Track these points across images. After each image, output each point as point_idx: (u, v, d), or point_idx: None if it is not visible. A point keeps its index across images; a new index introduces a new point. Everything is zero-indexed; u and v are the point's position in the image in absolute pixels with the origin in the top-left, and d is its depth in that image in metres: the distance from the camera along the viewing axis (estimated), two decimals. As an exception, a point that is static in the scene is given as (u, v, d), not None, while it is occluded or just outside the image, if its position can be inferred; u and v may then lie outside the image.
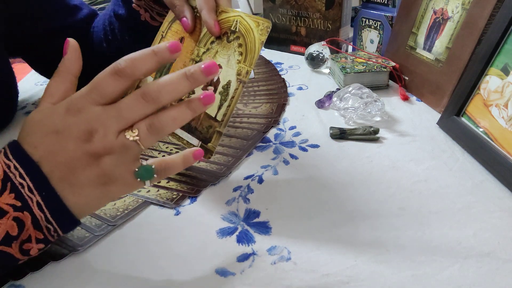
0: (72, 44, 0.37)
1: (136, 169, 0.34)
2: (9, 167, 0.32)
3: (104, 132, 0.32)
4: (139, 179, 0.35)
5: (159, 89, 0.33)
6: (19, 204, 0.32)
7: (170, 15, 0.53)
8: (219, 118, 0.44)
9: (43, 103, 0.35)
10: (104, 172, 0.33)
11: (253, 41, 0.43)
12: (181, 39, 0.50)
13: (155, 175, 0.35)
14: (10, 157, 0.33)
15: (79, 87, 0.80)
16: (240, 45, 0.43)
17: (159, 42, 0.53)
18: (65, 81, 0.36)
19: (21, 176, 0.32)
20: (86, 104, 0.33)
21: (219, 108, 0.44)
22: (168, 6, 0.49)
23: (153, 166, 0.35)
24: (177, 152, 0.56)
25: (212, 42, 0.46)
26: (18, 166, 0.32)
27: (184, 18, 0.48)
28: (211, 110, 0.44)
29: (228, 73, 0.44)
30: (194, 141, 0.45)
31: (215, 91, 0.45)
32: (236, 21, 0.44)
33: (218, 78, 0.45)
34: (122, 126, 0.33)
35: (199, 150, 0.38)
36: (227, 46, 0.45)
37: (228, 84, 0.44)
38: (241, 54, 0.43)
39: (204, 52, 0.47)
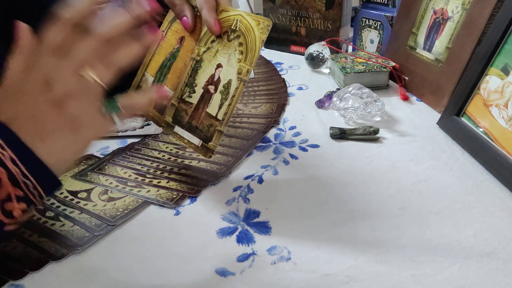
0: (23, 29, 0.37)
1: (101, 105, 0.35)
2: None
3: (61, 77, 0.33)
4: (106, 115, 0.35)
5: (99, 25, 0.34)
6: None
7: (170, 15, 0.53)
8: (220, 117, 0.44)
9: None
10: (71, 116, 0.34)
11: (253, 40, 0.43)
12: (182, 39, 0.50)
13: (120, 108, 0.36)
14: None
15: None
16: (240, 44, 0.43)
17: (158, 42, 0.52)
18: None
19: None
20: (39, 58, 0.34)
21: (220, 107, 0.44)
22: (168, 5, 0.49)
23: (115, 98, 0.36)
24: (177, 152, 0.56)
25: (213, 41, 0.46)
26: None
27: (185, 17, 0.48)
28: (212, 109, 0.44)
29: (229, 72, 0.44)
30: (195, 140, 0.46)
31: (215, 90, 0.45)
32: (237, 20, 0.44)
33: (219, 77, 0.45)
34: (77, 68, 0.34)
35: (161, 87, 0.40)
36: (227, 45, 0.45)
37: (229, 83, 0.44)
38: (241, 53, 0.43)
39: (204, 51, 0.47)
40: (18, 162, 0.32)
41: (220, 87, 0.44)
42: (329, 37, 0.90)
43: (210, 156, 0.44)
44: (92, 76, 0.34)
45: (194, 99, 0.46)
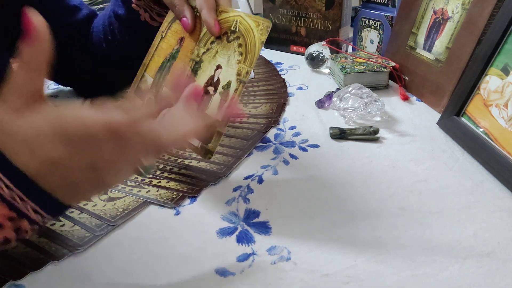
0: (39, 25, 0.31)
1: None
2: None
3: (113, 166, 0.32)
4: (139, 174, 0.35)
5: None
6: (14, 215, 0.31)
7: (169, 15, 0.52)
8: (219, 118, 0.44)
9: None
10: (102, 177, 0.33)
11: (253, 41, 0.43)
12: (181, 39, 0.50)
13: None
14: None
15: (83, 88, 0.79)
16: (240, 45, 0.43)
17: (159, 42, 0.52)
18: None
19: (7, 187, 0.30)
20: (100, 142, 0.32)
21: (220, 108, 0.44)
22: (168, 6, 0.49)
23: (152, 166, 0.36)
24: (177, 152, 0.56)
25: (212, 42, 0.46)
26: (7, 182, 0.30)
27: (184, 18, 0.48)
28: (211, 110, 0.44)
29: (228, 73, 0.44)
30: (195, 141, 0.45)
31: (215, 91, 0.45)
32: (236, 21, 0.44)
33: (218, 79, 0.45)
34: (131, 161, 0.33)
35: (233, 104, 0.39)
36: (227, 46, 0.45)
37: (228, 84, 0.44)
38: (241, 54, 0.43)
39: (204, 52, 0.46)
40: (40, 211, 0.32)
41: (220, 88, 0.44)
42: (329, 37, 0.90)
43: (209, 158, 0.44)
44: (140, 169, 0.34)
45: None
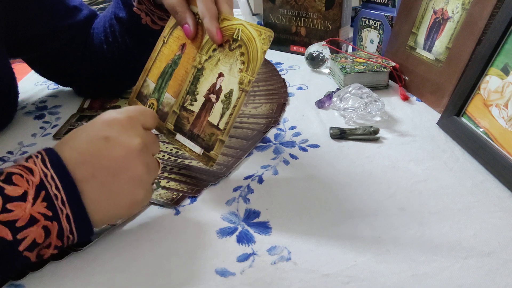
0: None
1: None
2: (46, 175, 0.34)
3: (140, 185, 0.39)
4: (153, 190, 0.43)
5: None
6: (50, 214, 0.34)
7: (171, 21, 0.52)
8: (221, 126, 0.43)
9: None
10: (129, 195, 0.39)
11: (255, 50, 0.42)
12: (183, 45, 0.50)
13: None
14: (49, 165, 0.34)
15: (83, 88, 0.80)
16: (242, 54, 0.43)
17: (160, 48, 0.52)
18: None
19: (56, 187, 0.34)
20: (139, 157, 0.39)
21: (221, 116, 0.44)
22: (170, 12, 0.49)
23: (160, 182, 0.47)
24: (177, 152, 0.56)
25: (214, 50, 0.46)
26: (55, 177, 0.34)
27: (186, 25, 0.47)
28: (214, 118, 0.44)
29: (230, 82, 0.44)
30: (197, 148, 0.45)
31: (217, 99, 0.44)
32: (239, 30, 0.44)
33: (221, 86, 0.45)
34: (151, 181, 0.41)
35: None
36: (229, 54, 0.44)
37: (230, 92, 0.43)
38: (243, 63, 0.43)
39: (206, 60, 0.46)
40: (72, 220, 0.35)
41: (222, 96, 0.44)
42: (329, 37, 0.90)
43: (212, 165, 0.44)
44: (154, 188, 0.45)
45: (196, 107, 0.46)
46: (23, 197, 0.33)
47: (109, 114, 0.39)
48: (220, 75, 0.45)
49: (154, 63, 0.52)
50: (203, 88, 0.46)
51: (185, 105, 0.47)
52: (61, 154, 0.35)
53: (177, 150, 0.56)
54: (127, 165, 0.37)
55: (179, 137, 0.48)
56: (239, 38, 0.44)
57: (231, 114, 0.43)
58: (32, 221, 0.33)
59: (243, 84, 0.43)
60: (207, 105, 0.45)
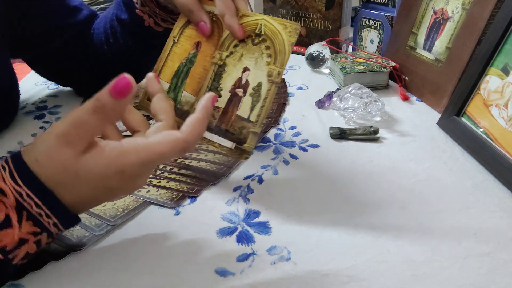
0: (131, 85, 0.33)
1: None
2: (21, 195, 0.31)
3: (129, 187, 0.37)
4: None
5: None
6: (38, 230, 0.33)
7: (180, 21, 0.52)
8: (252, 119, 0.43)
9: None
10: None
11: (282, 43, 0.43)
12: (198, 44, 0.50)
13: None
14: (20, 182, 0.32)
15: (83, 88, 0.79)
16: (267, 48, 0.44)
17: (171, 48, 0.52)
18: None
19: (37, 205, 0.32)
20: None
21: (252, 109, 0.44)
22: (183, 13, 0.49)
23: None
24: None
25: (236, 46, 0.46)
26: (32, 195, 0.32)
27: (202, 23, 0.48)
28: (243, 112, 0.44)
29: (258, 75, 0.44)
30: (228, 143, 0.45)
31: (245, 93, 0.45)
32: (261, 25, 0.45)
33: (247, 80, 0.45)
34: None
35: None
36: (252, 49, 0.45)
37: (259, 85, 0.44)
38: (269, 56, 0.44)
39: (227, 56, 0.47)
40: (59, 224, 0.34)
41: (250, 90, 0.44)
42: (329, 37, 0.90)
43: (247, 158, 0.44)
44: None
45: (221, 103, 0.46)
46: (7, 222, 0.31)
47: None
48: (245, 69, 0.45)
49: (165, 63, 0.52)
50: (227, 83, 0.46)
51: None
52: (29, 164, 0.32)
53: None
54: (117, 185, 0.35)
55: (205, 133, 0.47)
56: (263, 33, 0.44)
57: (262, 106, 0.43)
58: (23, 241, 0.32)
59: (273, 76, 0.43)
60: (234, 100, 0.45)
